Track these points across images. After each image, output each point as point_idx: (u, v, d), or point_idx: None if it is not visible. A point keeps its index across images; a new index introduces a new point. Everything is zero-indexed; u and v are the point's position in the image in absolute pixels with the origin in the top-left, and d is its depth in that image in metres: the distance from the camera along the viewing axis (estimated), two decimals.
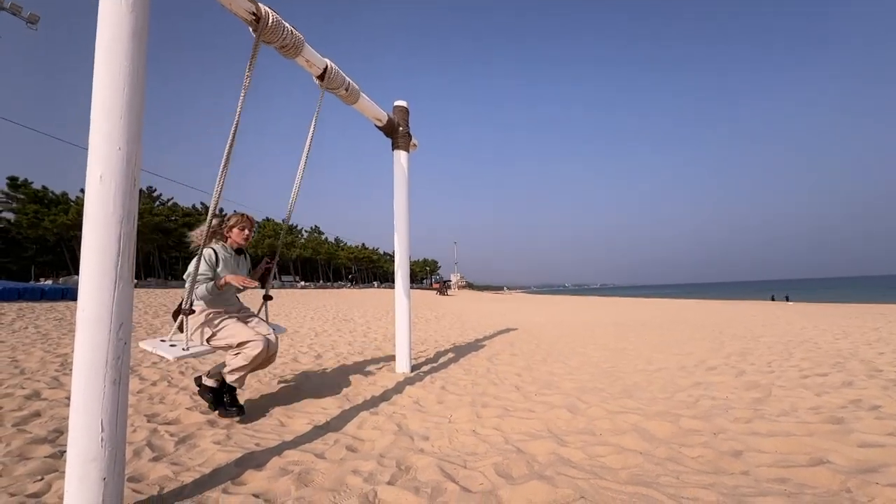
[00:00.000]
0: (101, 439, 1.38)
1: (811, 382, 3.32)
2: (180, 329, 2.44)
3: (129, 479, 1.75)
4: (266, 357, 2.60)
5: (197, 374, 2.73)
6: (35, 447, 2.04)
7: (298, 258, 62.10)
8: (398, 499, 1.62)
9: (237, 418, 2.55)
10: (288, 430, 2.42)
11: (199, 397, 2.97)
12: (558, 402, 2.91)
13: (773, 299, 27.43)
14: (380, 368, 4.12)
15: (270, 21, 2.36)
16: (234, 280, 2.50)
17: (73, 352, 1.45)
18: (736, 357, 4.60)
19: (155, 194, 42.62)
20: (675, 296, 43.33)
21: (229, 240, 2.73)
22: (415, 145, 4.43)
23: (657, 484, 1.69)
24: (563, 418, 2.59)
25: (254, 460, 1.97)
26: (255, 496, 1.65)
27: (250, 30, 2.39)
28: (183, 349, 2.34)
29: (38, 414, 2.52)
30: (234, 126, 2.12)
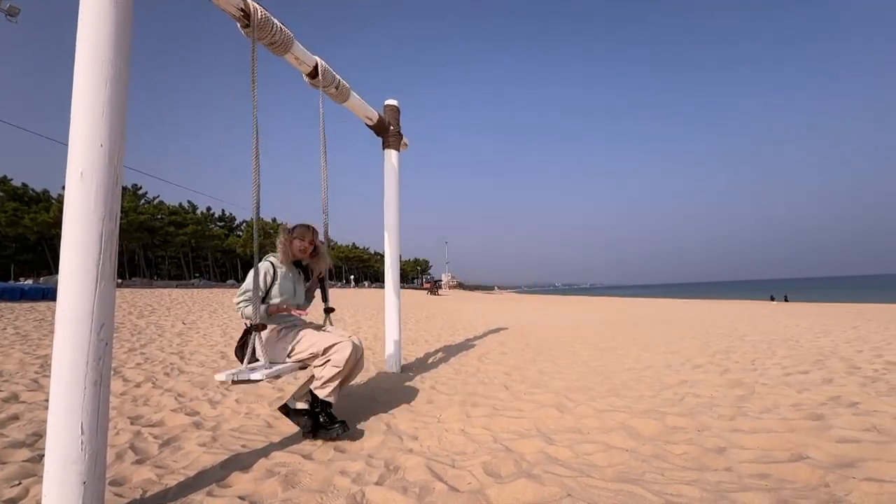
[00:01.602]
0: (81, 442, 1.35)
1: (793, 380, 3.40)
2: (253, 354, 2.15)
3: (110, 482, 1.71)
4: (355, 361, 2.37)
5: (281, 404, 2.46)
6: (13, 451, 1.99)
7: None
8: (386, 499, 1.61)
9: (344, 433, 2.26)
10: (275, 432, 2.39)
11: (184, 398, 2.93)
12: (547, 401, 2.93)
13: (772, 299, 27.44)
14: (369, 368, 4.10)
15: (259, 17, 2.33)
16: (279, 311, 2.34)
17: (52, 353, 1.42)
18: (721, 355, 4.68)
19: (140, 192, 41.81)
20: (667, 295, 43.77)
21: (290, 252, 2.49)
22: (405, 144, 4.42)
23: (642, 481, 1.71)
24: (552, 417, 2.61)
25: (240, 462, 1.95)
26: (241, 498, 1.63)
27: (238, 26, 2.36)
28: (266, 368, 2.10)
29: (16, 417, 2.45)
30: (255, 133, 2.05)
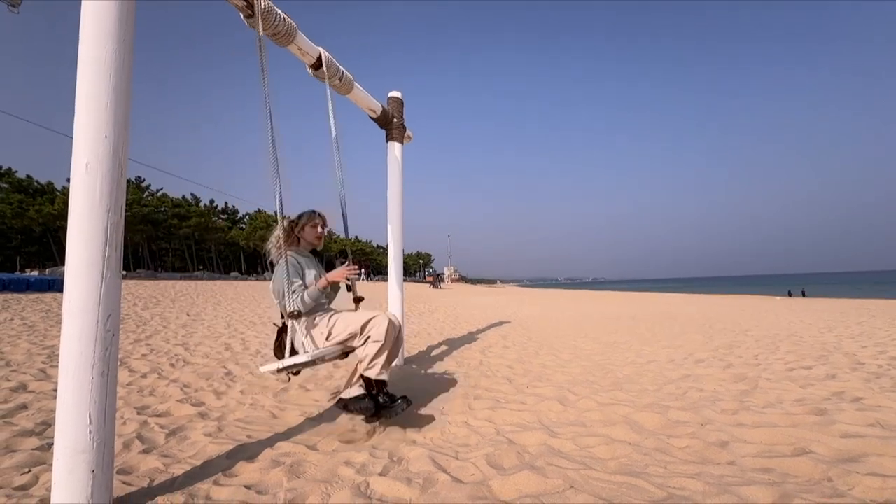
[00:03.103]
0: (90, 431, 1.36)
1: (796, 375, 3.39)
2: (292, 348, 2.17)
3: (118, 471, 1.74)
4: (395, 333, 2.32)
5: (335, 399, 2.47)
6: (22, 440, 2.02)
7: None
8: (390, 490, 1.63)
9: (408, 407, 2.28)
10: (280, 423, 2.42)
11: (189, 389, 2.95)
12: (549, 394, 2.94)
13: (789, 294, 26.97)
14: None
15: (262, 7, 2.31)
16: (338, 275, 2.31)
17: (60, 343, 1.43)
18: (724, 350, 4.68)
19: (144, 185, 41.91)
20: (673, 290, 43.36)
21: (301, 241, 2.49)
22: (409, 137, 4.40)
23: (645, 474, 1.72)
24: (555, 410, 2.62)
25: (245, 452, 1.97)
26: (247, 488, 1.65)
27: (242, 17, 2.34)
28: (307, 351, 2.12)
29: (24, 406, 2.48)
30: (269, 125, 2.01)
